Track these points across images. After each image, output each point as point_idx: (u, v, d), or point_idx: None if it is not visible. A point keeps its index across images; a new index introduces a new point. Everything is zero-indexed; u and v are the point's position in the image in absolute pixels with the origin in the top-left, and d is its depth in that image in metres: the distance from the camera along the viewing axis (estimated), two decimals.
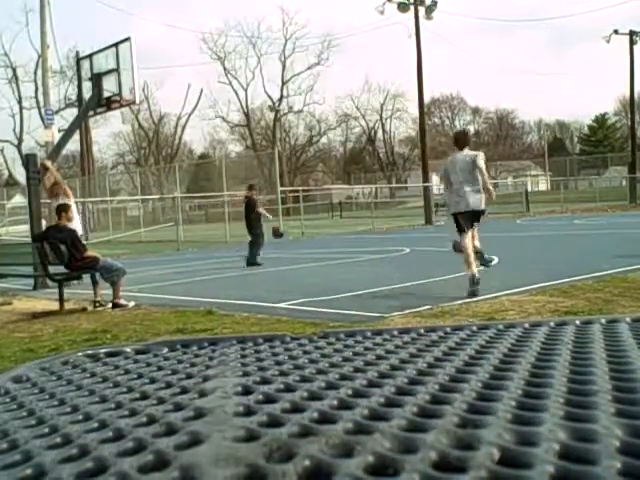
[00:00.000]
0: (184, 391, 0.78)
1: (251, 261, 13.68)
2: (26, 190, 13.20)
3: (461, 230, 8.48)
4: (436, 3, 30.92)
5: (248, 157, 63.62)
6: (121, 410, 0.72)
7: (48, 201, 13.14)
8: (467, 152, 8.59)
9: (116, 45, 13.16)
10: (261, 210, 14.18)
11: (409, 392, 0.70)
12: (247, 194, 14.82)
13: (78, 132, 31.20)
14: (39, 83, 43.94)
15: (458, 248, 8.62)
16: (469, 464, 0.49)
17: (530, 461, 0.49)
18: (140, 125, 67.72)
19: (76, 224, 10.31)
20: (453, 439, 0.54)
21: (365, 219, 31.27)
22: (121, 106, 14.37)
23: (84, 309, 8.93)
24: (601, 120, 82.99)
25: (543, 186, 64.68)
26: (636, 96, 43.23)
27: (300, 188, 43.28)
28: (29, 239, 11.76)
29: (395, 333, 1.10)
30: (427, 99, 59.43)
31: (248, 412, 0.66)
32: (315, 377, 0.80)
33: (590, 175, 66.27)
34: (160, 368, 0.94)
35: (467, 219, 8.32)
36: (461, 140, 8.74)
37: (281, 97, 68.40)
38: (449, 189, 8.51)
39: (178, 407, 0.70)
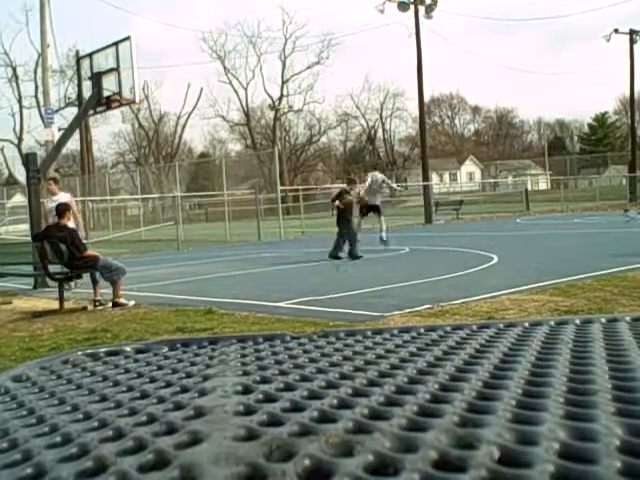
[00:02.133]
0: (184, 390, 0.78)
1: (354, 254, 13.36)
2: (26, 189, 13.19)
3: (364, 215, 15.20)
4: (436, 2, 30.90)
5: (248, 156, 63.62)
6: (121, 409, 0.72)
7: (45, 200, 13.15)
8: (376, 174, 15.64)
9: (116, 44, 13.15)
10: (349, 198, 13.88)
11: (409, 391, 0.70)
12: (345, 187, 14.59)
13: (78, 131, 31.18)
14: (39, 82, 43.95)
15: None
16: (469, 463, 0.49)
17: (530, 460, 0.49)
18: (140, 124, 67.69)
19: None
20: (453, 438, 0.54)
21: (365, 218, 31.17)
22: (121, 105, 14.37)
23: (84, 308, 8.93)
24: (601, 119, 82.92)
25: (543, 185, 64.70)
26: (636, 95, 43.25)
27: (300, 187, 43.31)
28: (29, 238, 11.76)
29: (395, 332, 1.10)
30: (427, 98, 59.43)
31: (248, 411, 0.66)
32: (315, 376, 0.80)
33: (590, 174, 66.24)
34: (160, 367, 0.94)
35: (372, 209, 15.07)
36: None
37: (281, 96, 68.41)
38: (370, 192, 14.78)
39: (178, 406, 0.70)
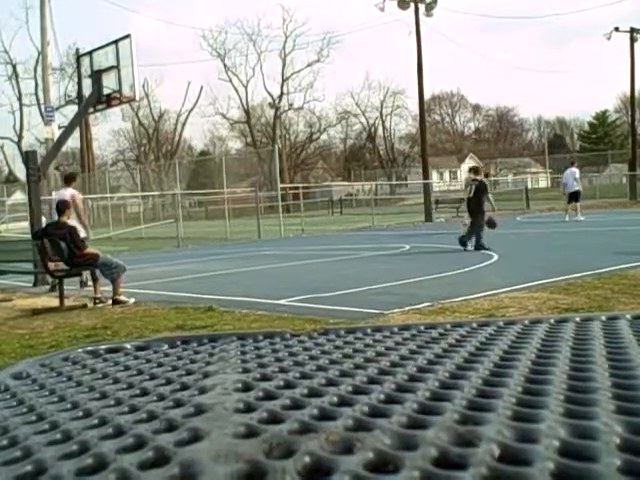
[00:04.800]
0: (184, 387, 0.78)
1: (480, 244, 13.32)
2: (26, 187, 13.18)
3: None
4: (436, 0, 30.85)
5: (248, 154, 63.57)
6: (121, 406, 0.72)
7: (49, 197, 13.12)
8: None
9: (116, 42, 13.13)
10: (490, 197, 13.88)
11: (409, 389, 0.70)
12: (478, 177, 14.30)
13: (78, 129, 31.18)
14: (39, 80, 43.90)
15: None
16: (469, 461, 0.49)
17: (530, 458, 0.49)
18: (140, 122, 67.65)
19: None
20: (453, 436, 0.54)
21: (365, 216, 31.26)
22: (121, 103, 14.35)
23: (84, 306, 8.93)
24: (601, 117, 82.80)
25: (543, 183, 64.70)
26: (637, 93, 43.12)
27: (300, 185, 43.29)
28: (29, 236, 11.75)
29: (395, 330, 1.10)
30: (427, 96, 59.31)
31: (248, 409, 0.66)
32: (315, 374, 0.80)
33: (590, 172, 66.17)
34: (160, 364, 0.94)
35: None
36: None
37: (281, 94, 68.29)
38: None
39: (178, 403, 0.70)
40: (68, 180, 11.46)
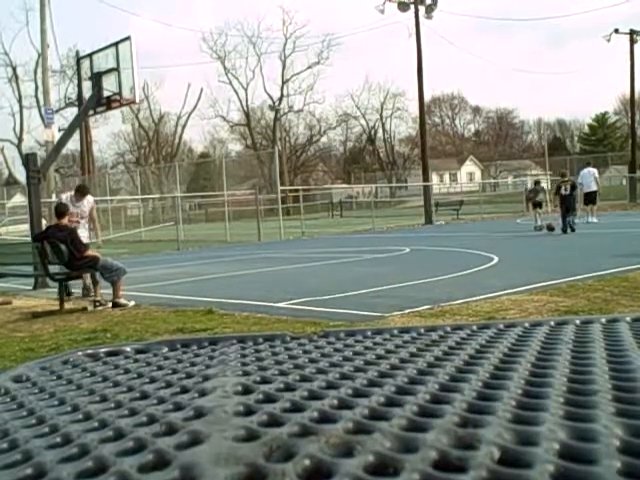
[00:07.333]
0: (184, 390, 0.78)
1: (567, 227, 17.01)
2: (26, 189, 13.18)
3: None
4: (436, 2, 30.87)
5: (248, 156, 63.66)
6: (121, 409, 0.72)
7: (49, 200, 13.12)
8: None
9: (116, 44, 13.15)
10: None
11: (409, 391, 0.70)
12: (566, 176, 18.56)
13: (78, 131, 31.17)
14: (39, 82, 43.86)
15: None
16: (469, 463, 0.49)
17: (530, 460, 0.49)
18: (140, 124, 67.65)
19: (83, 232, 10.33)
20: (453, 438, 0.54)
21: (365, 218, 31.27)
22: (121, 105, 14.36)
23: (84, 308, 8.92)
24: (601, 119, 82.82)
25: (543, 185, 64.64)
26: (636, 95, 43.17)
27: (300, 187, 43.26)
28: (29, 238, 11.74)
29: (395, 332, 1.10)
30: (427, 98, 59.37)
31: (248, 411, 0.66)
32: (315, 376, 0.80)
33: None
34: (160, 367, 0.94)
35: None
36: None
37: (281, 96, 68.37)
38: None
39: (178, 406, 0.70)
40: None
